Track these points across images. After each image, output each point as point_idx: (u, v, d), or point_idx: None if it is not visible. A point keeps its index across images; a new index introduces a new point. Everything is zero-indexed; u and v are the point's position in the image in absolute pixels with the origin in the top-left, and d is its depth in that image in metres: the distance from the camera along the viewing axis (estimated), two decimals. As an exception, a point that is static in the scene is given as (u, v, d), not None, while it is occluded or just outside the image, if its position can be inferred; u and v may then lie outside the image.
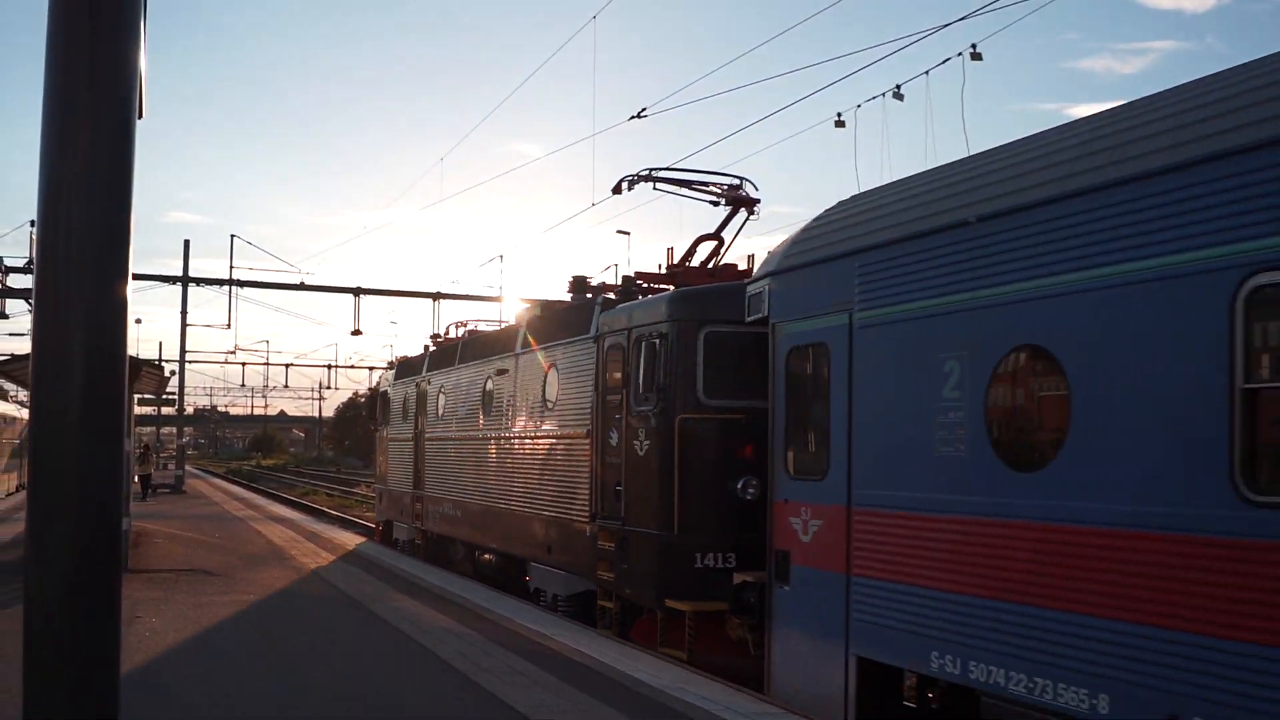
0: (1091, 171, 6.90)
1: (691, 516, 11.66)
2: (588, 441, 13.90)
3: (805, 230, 9.95)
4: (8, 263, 34.58)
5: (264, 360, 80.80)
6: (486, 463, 18.12)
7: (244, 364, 79.39)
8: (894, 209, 8.84)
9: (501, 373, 17.59)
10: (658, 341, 12.19)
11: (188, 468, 55.72)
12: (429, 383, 21.91)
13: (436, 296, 44.08)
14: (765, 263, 10.48)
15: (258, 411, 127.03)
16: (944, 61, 17.30)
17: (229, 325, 46.32)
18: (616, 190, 15.39)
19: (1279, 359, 5.99)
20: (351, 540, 23.93)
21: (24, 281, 35.19)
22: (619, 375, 13.14)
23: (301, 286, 43.42)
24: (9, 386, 50.43)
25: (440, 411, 21.02)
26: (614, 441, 13.12)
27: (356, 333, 44.25)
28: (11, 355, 21.37)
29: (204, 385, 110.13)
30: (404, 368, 24.83)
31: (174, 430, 56.90)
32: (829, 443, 8.98)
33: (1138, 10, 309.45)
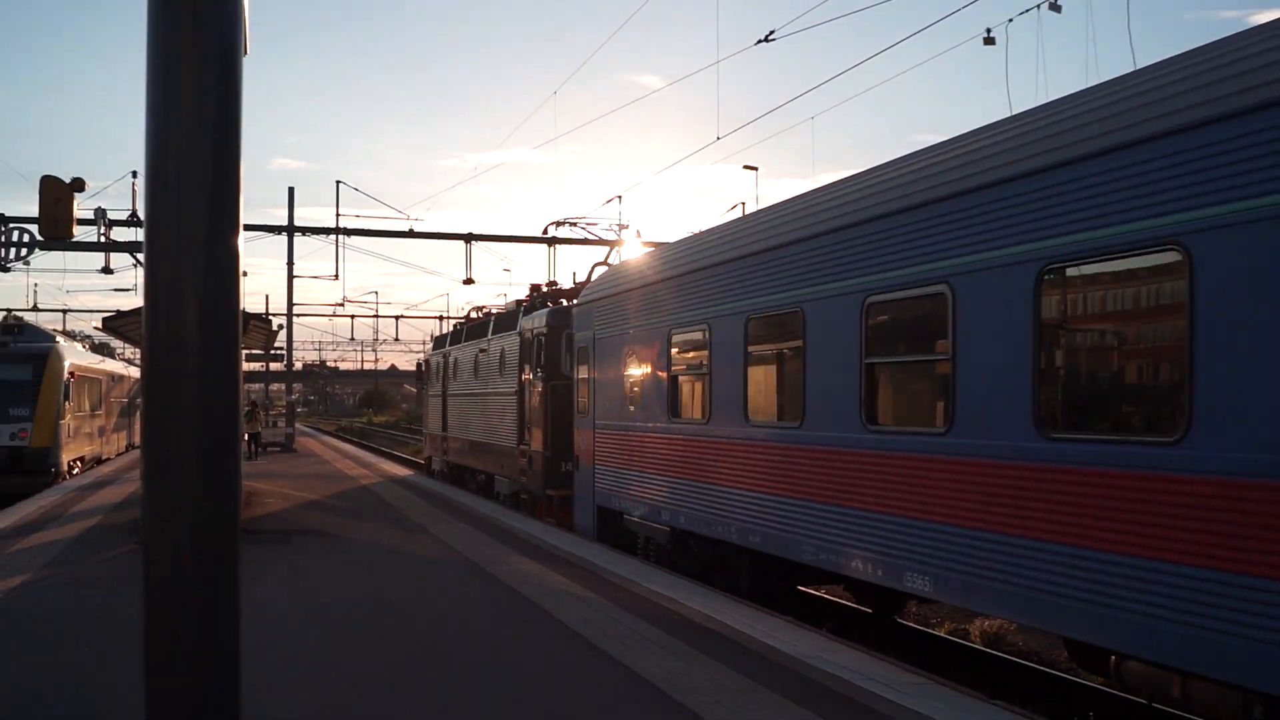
0: (650, 275, 16.38)
1: (558, 441, 21.18)
2: (516, 398, 24.08)
3: (589, 285, 19.80)
4: (111, 216, 35.65)
5: (373, 312, 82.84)
6: (477, 411, 28.53)
7: (353, 317, 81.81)
8: (611, 279, 18.35)
9: (483, 350, 27.93)
10: (543, 338, 22.19)
11: (297, 425, 57.61)
12: (450, 355, 32.80)
13: (552, 241, 43.98)
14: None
15: (368, 366, 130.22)
16: (1109, -34, 16.65)
17: (336, 276, 47.48)
18: (544, 231, 28.37)
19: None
20: (471, 501, 24.46)
21: (127, 235, 36.52)
22: (528, 356, 23.17)
23: (411, 234, 43.86)
24: (115, 343, 52.69)
25: (455, 375, 31.85)
26: (526, 398, 23.29)
27: (469, 281, 44.73)
28: (118, 311, 22.27)
29: (312, 340, 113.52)
30: (438, 342, 37.06)
31: (282, 387, 58.72)
32: (588, 396, 18.65)
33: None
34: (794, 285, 11.91)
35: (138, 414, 43.45)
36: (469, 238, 43.99)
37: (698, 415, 14.36)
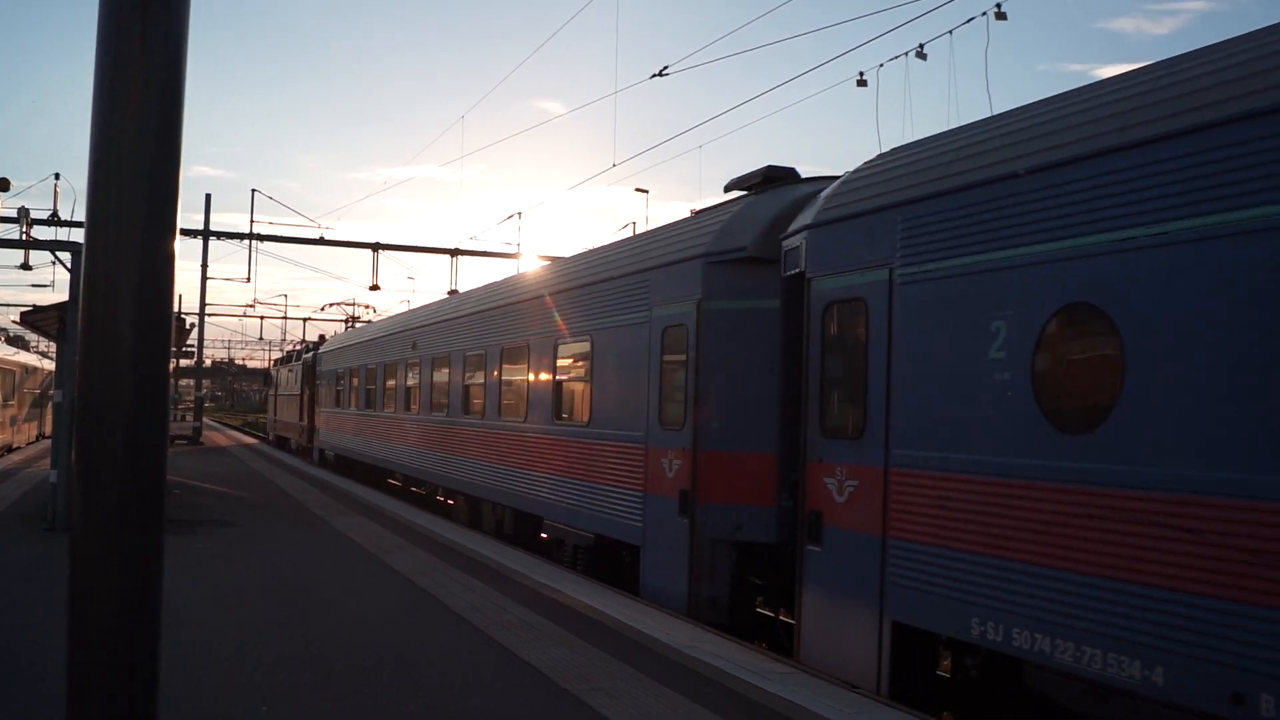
0: (328, 346, 39.30)
1: (314, 417, 37.31)
2: (300, 396, 41.44)
3: (325, 342, 41.25)
4: (33, 215, 34.37)
5: (282, 314, 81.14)
6: (287, 404, 45.71)
7: (262, 318, 79.53)
8: (326, 343, 40.00)
9: (291, 370, 44.57)
10: (309, 365, 39.51)
11: (205, 420, 56.00)
12: (280, 370, 50.44)
13: (454, 253, 43.83)
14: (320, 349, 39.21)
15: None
16: (968, 21, 17.09)
17: (248, 279, 46.75)
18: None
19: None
20: (362, 490, 24.10)
21: (48, 233, 35.21)
22: (309, 373, 39.51)
23: (321, 241, 43.22)
24: (30, 337, 50.61)
25: (280, 383, 49.86)
26: (304, 396, 40.29)
27: (375, 288, 44.12)
28: (35, 306, 21.43)
29: (223, 338, 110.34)
30: (277, 361, 53.96)
31: (192, 382, 57.20)
32: (319, 396, 36.43)
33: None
34: (360, 359, 28.75)
35: (49, 405, 41.71)
36: (376, 247, 43.48)
37: (339, 405, 31.26)
